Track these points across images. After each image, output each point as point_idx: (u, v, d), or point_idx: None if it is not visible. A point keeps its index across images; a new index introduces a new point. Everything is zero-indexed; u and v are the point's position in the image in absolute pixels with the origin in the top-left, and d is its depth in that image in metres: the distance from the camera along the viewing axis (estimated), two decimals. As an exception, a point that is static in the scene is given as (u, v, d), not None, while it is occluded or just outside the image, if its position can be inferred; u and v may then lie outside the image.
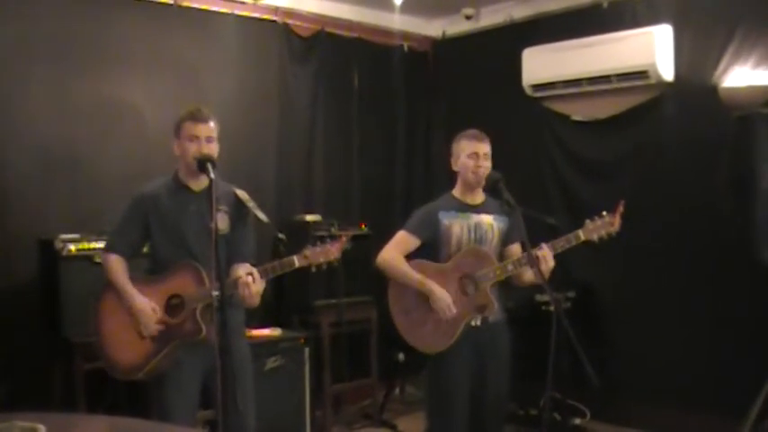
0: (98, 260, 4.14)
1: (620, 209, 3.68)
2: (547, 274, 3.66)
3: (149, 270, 3.70)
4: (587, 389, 3.31)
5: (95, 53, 5.13)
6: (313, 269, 3.61)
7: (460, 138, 3.96)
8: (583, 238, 3.70)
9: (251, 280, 3.45)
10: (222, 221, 3.55)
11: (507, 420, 4.43)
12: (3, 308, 4.63)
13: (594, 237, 3.70)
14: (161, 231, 3.61)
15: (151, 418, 3.53)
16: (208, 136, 3.57)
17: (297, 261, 3.56)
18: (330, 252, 3.58)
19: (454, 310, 3.78)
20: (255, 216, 3.66)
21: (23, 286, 4.78)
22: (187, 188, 3.64)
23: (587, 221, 3.72)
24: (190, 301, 3.52)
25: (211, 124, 3.60)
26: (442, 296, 3.78)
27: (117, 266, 3.61)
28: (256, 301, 3.51)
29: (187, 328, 3.52)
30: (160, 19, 5.47)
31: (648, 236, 5.52)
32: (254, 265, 3.55)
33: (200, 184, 3.63)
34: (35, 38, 4.88)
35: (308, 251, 3.57)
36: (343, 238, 3.64)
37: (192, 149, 3.52)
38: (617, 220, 3.68)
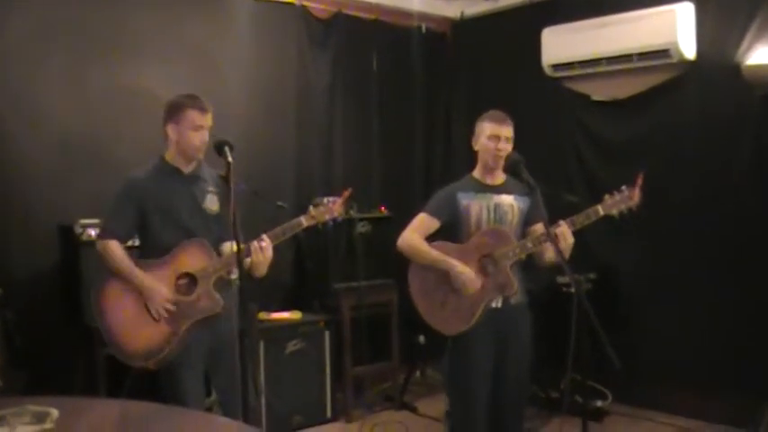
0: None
1: (640, 182, 3.62)
2: (567, 252, 3.63)
3: (141, 254, 3.72)
4: (608, 371, 3.29)
5: (112, 40, 5.13)
6: (319, 227, 3.73)
7: (484, 118, 3.93)
8: (602, 212, 3.65)
9: (264, 245, 3.56)
10: (213, 202, 3.71)
11: (528, 403, 4.42)
12: (24, 294, 4.66)
13: (614, 211, 3.64)
14: (157, 215, 3.65)
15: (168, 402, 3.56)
16: (210, 126, 3.68)
17: (304, 221, 3.67)
18: (333, 209, 3.71)
19: (478, 284, 3.77)
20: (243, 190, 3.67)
21: (44, 272, 4.81)
22: (177, 171, 3.70)
23: (606, 196, 3.67)
24: (203, 276, 3.57)
25: (210, 113, 3.69)
26: (464, 271, 3.77)
27: (118, 251, 3.62)
28: (265, 269, 3.62)
29: (203, 305, 3.58)
30: (176, 4, 5.46)
31: (669, 216, 5.48)
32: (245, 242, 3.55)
33: (189, 166, 3.72)
34: (52, 26, 4.89)
35: (312, 211, 3.69)
36: (345, 193, 3.74)
37: (196, 139, 3.62)
38: (636, 194, 3.62)
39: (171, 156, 3.71)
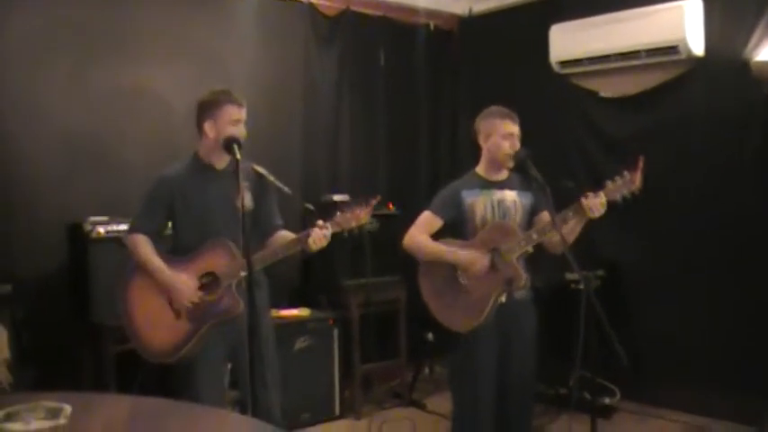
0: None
1: (641, 165, 3.56)
2: (601, 210, 3.57)
3: (171, 251, 3.72)
4: (617, 368, 3.28)
5: (117, 39, 5.13)
6: (345, 234, 3.65)
7: (493, 116, 3.92)
8: (605, 198, 3.59)
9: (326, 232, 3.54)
10: (247, 199, 3.57)
11: (536, 399, 4.41)
12: (32, 292, 4.66)
13: (617, 197, 3.58)
14: (186, 213, 3.65)
15: (181, 399, 3.55)
16: (245, 119, 3.67)
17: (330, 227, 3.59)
18: (360, 216, 3.61)
19: (485, 261, 3.75)
20: (278, 189, 3.71)
21: (52, 270, 4.81)
22: (211, 167, 3.69)
23: (608, 182, 3.61)
24: (225, 277, 3.55)
25: (245, 107, 3.68)
26: (469, 258, 3.78)
27: (144, 245, 3.64)
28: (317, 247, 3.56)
29: (224, 305, 3.56)
30: (180, 2, 5.47)
31: (677, 214, 5.47)
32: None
33: (222, 162, 3.71)
34: (55, 26, 4.88)
35: (339, 217, 3.60)
36: (373, 201, 3.65)
37: (233, 133, 3.57)
38: (638, 177, 3.55)
39: (204, 152, 3.70)
